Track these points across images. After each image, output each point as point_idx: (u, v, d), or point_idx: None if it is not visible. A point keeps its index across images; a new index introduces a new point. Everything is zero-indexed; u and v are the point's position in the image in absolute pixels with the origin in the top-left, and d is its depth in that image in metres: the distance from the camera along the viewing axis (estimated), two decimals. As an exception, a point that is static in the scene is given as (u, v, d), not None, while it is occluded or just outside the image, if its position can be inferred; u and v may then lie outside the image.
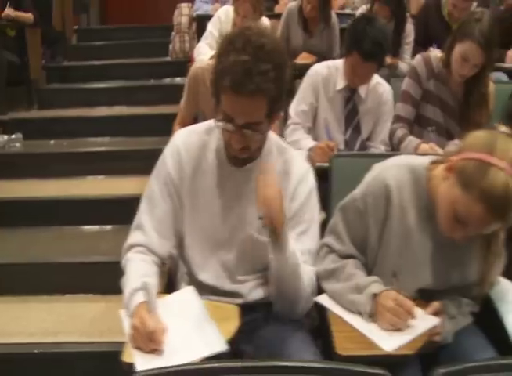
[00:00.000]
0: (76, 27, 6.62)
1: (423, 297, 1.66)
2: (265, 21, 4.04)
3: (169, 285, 1.82)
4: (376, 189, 1.64)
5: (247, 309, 1.70)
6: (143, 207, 1.74)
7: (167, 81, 5.47)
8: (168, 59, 5.64)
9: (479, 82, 2.73)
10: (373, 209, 1.64)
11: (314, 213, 1.73)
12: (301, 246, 1.69)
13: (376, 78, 2.89)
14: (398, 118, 2.87)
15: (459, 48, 2.68)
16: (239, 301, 1.71)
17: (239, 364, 1.17)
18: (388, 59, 3.88)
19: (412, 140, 2.73)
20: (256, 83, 1.49)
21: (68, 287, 3.03)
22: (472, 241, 1.60)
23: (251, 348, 1.67)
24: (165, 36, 5.71)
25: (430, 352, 1.58)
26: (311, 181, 1.73)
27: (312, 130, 2.89)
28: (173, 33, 5.62)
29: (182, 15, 5.66)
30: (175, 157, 1.72)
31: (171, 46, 5.61)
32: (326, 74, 2.86)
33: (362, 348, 1.45)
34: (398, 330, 1.51)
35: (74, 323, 2.76)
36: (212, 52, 3.89)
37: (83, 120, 4.73)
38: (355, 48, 2.66)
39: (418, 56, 2.96)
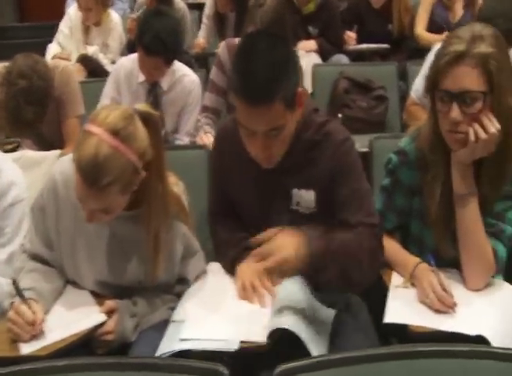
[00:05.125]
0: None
1: (121, 294, 1.63)
2: (114, 15, 4.05)
3: None
4: (47, 184, 1.63)
5: None
6: None
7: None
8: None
9: None
10: (46, 204, 1.62)
11: (18, 227, 1.77)
12: None
13: (183, 70, 2.93)
14: (203, 108, 2.89)
15: None
16: None
17: None
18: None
19: (205, 129, 2.76)
20: None
21: None
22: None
23: None
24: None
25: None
26: (13, 195, 1.77)
27: None
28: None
29: None
30: None
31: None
32: (130, 67, 2.88)
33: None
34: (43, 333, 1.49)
35: None
36: (59, 50, 3.91)
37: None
38: (138, 41, 2.69)
39: (222, 44, 2.97)
